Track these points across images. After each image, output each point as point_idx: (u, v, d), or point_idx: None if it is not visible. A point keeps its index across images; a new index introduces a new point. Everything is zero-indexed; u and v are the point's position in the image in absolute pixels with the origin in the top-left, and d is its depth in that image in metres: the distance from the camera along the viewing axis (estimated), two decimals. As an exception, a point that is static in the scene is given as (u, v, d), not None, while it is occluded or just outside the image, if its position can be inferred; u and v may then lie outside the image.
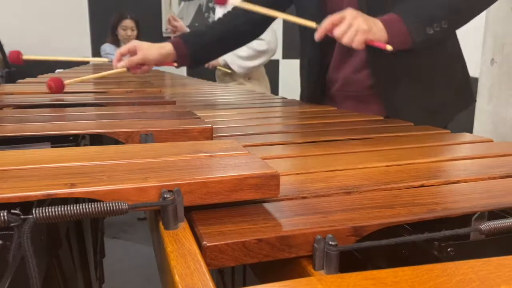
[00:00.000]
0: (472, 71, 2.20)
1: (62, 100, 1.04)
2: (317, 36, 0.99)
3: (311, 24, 1.03)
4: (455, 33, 1.15)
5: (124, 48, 1.27)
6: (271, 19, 1.31)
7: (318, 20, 1.06)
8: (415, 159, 0.68)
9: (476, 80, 1.93)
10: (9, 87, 1.25)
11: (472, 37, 2.23)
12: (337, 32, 0.96)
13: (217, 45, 1.32)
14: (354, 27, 0.93)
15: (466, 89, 1.19)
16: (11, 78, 3.47)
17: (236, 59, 2.37)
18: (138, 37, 3.24)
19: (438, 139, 0.85)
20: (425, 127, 0.97)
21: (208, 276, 0.34)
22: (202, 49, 1.30)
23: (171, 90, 1.61)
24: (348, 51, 1.15)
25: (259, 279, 0.49)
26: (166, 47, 1.25)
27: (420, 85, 1.03)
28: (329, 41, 1.15)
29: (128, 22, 3.25)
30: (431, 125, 0.98)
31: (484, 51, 1.80)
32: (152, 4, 4.19)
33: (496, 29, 1.71)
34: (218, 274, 0.77)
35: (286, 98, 1.45)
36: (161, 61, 1.27)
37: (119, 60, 1.26)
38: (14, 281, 0.37)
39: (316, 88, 1.26)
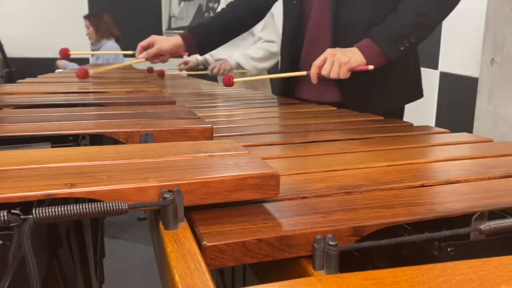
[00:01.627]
0: (472, 71, 2.20)
1: (62, 100, 1.04)
2: (313, 81, 1.16)
3: (302, 73, 1.21)
4: None
5: (144, 41, 1.45)
6: (269, 7, 1.47)
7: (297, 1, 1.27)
8: (415, 159, 0.68)
9: (476, 80, 1.93)
10: (9, 87, 1.25)
11: (472, 37, 2.23)
12: (324, 73, 1.12)
13: (221, 34, 1.49)
14: (336, 63, 1.10)
15: (416, 84, 1.33)
16: (11, 78, 3.48)
17: (250, 60, 2.38)
18: (97, 32, 3.29)
19: (438, 139, 0.85)
20: (425, 126, 0.97)
21: (208, 276, 0.34)
22: (208, 39, 1.46)
23: (171, 90, 1.61)
24: (314, 41, 1.28)
25: (259, 279, 0.49)
26: (177, 40, 1.43)
27: (374, 73, 1.15)
28: (300, 33, 1.31)
29: (85, 22, 3.36)
30: (385, 109, 1.16)
31: (484, 51, 1.80)
32: (152, 4, 4.19)
33: (496, 29, 1.71)
34: (218, 274, 0.77)
35: (286, 98, 1.45)
36: (174, 52, 1.45)
37: (140, 52, 1.45)
38: (14, 281, 0.37)
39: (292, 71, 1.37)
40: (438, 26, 1.21)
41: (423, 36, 1.15)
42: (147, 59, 1.45)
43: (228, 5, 1.48)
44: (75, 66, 3.28)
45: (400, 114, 1.33)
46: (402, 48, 1.11)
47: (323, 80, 1.16)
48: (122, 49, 3.32)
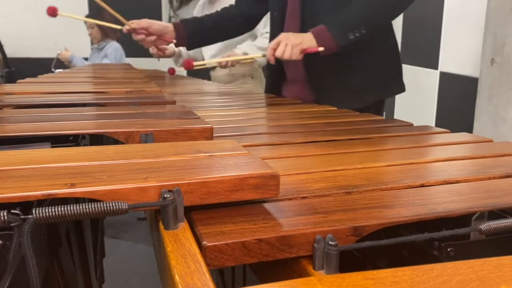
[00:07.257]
0: (472, 71, 2.20)
1: (62, 100, 1.04)
2: (271, 62, 1.26)
3: (259, 55, 1.42)
4: (391, 29, 1.34)
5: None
6: (262, 15, 1.56)
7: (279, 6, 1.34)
8: (415, 159, 0.68)
9: (476, 80, 1.93)
10: (9, 87, 1.25)
11: (472, 37, 2.23)
12: (278, 55, 1.20)
13: (212, 33, 1.55)
14: (289, 45, 1.17)
15: (395, 80, 1.38)
16: (11, 78, 3.47)
17: (257, 51, 2.36)
18: (101, 32, 3.24)
19: (438, 139, 0.85)
20: (425, 126, 0.97)
21: (208, 276, 0.34)
22: (198, 34, 1.52)
23: (171, 90, 1.61)
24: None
25: (259, 279, 0.49)
26: (168, 25, 1.49)
27: (345, 71, 1.26)
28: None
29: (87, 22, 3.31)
30: (357, 103, 1.24)
31: (484, 51, 1.80)
32: (152, 4, 4.19)
33: (496, 29, 1.71)
34: (218, 274, 0.77)
35: (286, 98, 1.45)
36: (162, 32, 1.47)
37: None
38: (14, 281, 0.37)
39: (276, 73, 1.47)
40: (396, 17, 1.28)
41: (373, 29, 1.19)
42: (134, 29, 1.46)
43: (223, 9, 1.55)
44: (84, 62, 3.22)
45: (378, 108, 1.36)
46: (351, 37, 1.17)
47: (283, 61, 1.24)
48: (124, 50, 3.30)
